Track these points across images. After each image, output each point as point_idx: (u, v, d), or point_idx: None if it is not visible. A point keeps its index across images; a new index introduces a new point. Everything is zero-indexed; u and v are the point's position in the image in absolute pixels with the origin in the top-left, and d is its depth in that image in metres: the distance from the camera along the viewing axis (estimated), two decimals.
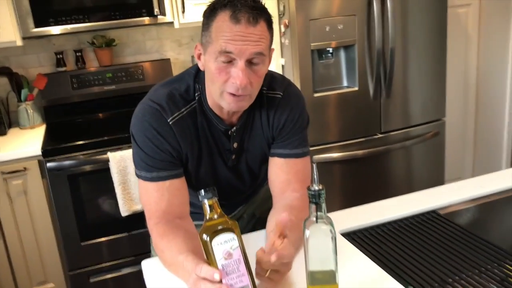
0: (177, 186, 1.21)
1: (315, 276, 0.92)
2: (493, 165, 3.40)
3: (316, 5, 2.39)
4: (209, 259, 0.93)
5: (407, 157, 2.80)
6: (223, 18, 1.07)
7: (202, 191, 0.96)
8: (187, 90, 1.22)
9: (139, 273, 2.51)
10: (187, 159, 1.24)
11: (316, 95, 2.51)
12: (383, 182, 2.76)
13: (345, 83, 2.64)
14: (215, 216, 0.96)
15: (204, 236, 0.93)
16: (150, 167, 1.19)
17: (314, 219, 0.90)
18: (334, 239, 0.90)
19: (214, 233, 0.92)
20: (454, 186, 1.52)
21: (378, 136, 2.69)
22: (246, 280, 0.92)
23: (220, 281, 0.90)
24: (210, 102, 1.21)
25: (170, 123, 1.18)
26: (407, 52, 2.63)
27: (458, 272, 1.09)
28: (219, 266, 0.91)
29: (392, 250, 1.21)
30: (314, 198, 0.88)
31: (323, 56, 2.55)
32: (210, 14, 1.10)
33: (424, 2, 2.61)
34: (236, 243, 0.93)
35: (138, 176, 1.22)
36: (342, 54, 2.59)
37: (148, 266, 1.21)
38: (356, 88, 2.57)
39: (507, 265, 1.11)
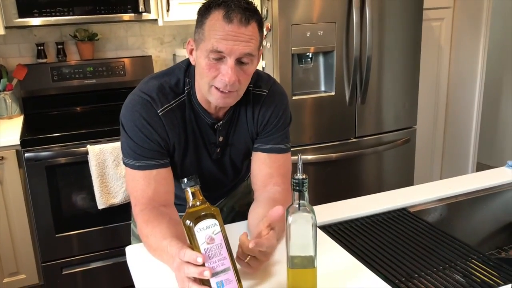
0: (163, 175, 1.26)
1: (295, 261, 0.98)
2: (460, 173, 3.55)
3: (298, 11, 2.47)
4: (193, 244, 0.97)
5: (379, 162, 2.90)
6: (216, 17, 1.12)
7: (185, 179, 0.99)
8: (177, 83, 1.26)
9: (112, 266, 2.55)
10: (174, 150, 1.28)
11: (294, 98, 2.58)
12: (355, 185, 2.86)
13: (322, 88, 2.72)
14: (198, 203, 0.99)
15: (187, 222, 0.97)
16: (138, 156, 1.23)
17: (297, 206, 0.96)
18: (314, 226, 0.97)
19: (197, 219, 0.96)
20: (423, 187, 1.61)
21: (352, 141, 2.78)
22: (228, 263, 0.97)
23: (203, 265, 0.95)
24: (198, 96, 1.26)
25: (160, 114, 1.22)
26: (383, 60, 2.73)
27: (427, 265, 1.17)
28: (202, 251, 0.95)
29: (364, 242, 1.28)
30: (298, 186, 0.94)
31: (303, 60, 2.63)
32: (204, 12, 1.15)
33: (401, 14, 2.72)
34: (218, 228, 0.97)
35: (125, 164, 1.26)
36: (321, 59, 2.67)
37: (132, 253, 1.25)
38: (333, 93, 2.66)
39: (472, 260, 1.20)
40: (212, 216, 0.98)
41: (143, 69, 2.91)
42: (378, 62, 2.72)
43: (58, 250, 2.45)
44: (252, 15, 1.14)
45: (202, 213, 0.97)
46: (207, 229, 0.96)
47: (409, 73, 2.86)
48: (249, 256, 1.04)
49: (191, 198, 1.00)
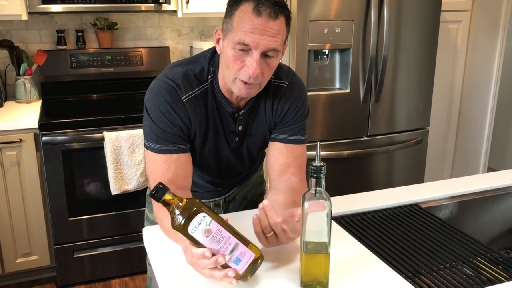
0: (183, 160, 1.29)
1: (308, 246, 1.01)
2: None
3: (316, 7, 2.49)
4: (196, 243, 1.00)
5: (390, 161, 2.91)
6: (246, 9, 1.14)
7: (153, 193, 1.01)
8: (201, 71, 1.29)
9: (122, 252, 2.59)
10: (194, 136, 1.31)
11: (309, 93, 2.59)
12: (365, 183, 2.87)
13: (337, 85, 2.74)
14: (175, 209, 1.00)
15: (179, 232, 1.00)
16: (161, 140, 1.26)
17: (314, 192, 0.98)
18: (330, 213, 0.99)
19: (184, 225, 0.98)
20: (435, 184, 1.63)
21: (364, 139, 2.80)
22: (234, 240, 1.00)
23: (213, 254, 0.98)
24: (221, 85, 1.29)
25: (184, 100, 1.25)
26: (398, 60, 2.75)
27: (438, 259, 1.19)
28: (206, 245, 0.98)
29: (376, 234, 1.30)
30: (316, 173, 0.97)
31: (319, 57, 2.65)
32: (234, 2, 1.17)
33: (419, 15, 2.73)
34: (208, 218, 0.99)
35: (147, 147, 1.29)
36: (337, 56, 2.69)
37: (149, 234, 1.28)
38: (348, 91, 2.68)
39: (481, 256, 1.22)
40: (195, 211, 0.99)
41: (160, 59, 2.94)
42: (393, 62, 2.73)
43: (70, 233, 2.50)
44: (281, 10, 1.15)
45: (185, 216, 0.99)
46: (199, 226, 0.98)
47: (424, 74, 2.87)
48: (272, 232, 1.07)
49: (166, 208, 1.01)
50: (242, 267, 0.99)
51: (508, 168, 2.04)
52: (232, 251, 0.99)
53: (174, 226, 1.00)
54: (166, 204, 1.01)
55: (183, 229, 0.99)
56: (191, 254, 1.00)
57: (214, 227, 0.99)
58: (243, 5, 1.14)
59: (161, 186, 1.02)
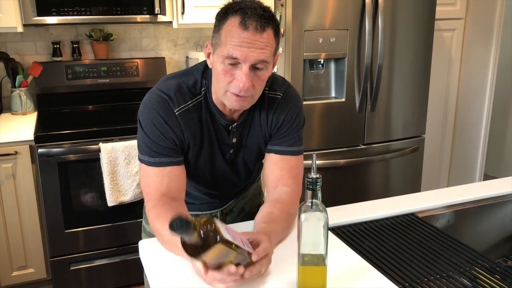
0: (176, 173, 1.28)
1: (305, 259, 1.01)
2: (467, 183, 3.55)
3: (311, 17, 2.50)
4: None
5: (386, 170, 2.91)
6: (233, 23, 1.15)
7: (174, 225, 0.91)
8: (194, 84, 1.29)
9: (119, 264, 2.57)
10: (188, 148, 1.31)
11: (304, 103, 2.57)
12: (362, 191, 2.87)
13: (333, 94, 2.74)
14: (194, 239, 0.93)
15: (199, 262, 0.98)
16: (154, 153, 1.26)
17: (310, 204, 0.98)
18: (326, 225, 0.99)
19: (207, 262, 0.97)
20: (432, 193, 1.63)
21: (360, 147, 2.80)
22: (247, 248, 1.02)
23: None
24: (214, 98, 1.29)
25: (176, 113, 1.25)
26: (393, 69, 2.76)
27: (435, 269, 1.19)
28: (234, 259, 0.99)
29: (373, 245, 1.30)
30: (311, 185, 0.97)
31: (314, 66, 2.66)
32: (222, 17, 1.18)
33: (413, 23, 2.75)
34: (225, 250, 0.95)
35: (141, 160, 1.29)
36: (332, 66, 2.70)
37: (145, 247, 1.27)
38: (343, 100, 2.68)
39: (479, 266, 1.21)
40: (214, 241, 0.93)
41: (156, 70, 2.95)
42: (388, 71, 2.74)
43: (66, 245, 2.48)
44: (268, 22, 1.16)
45: (206, 253, 0.94)
46: (220, 258, 0.97)
47: (419, 82, 2.88)
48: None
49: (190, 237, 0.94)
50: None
51: (505, 175, 2.04)
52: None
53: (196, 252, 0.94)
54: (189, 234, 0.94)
55: (206, 260, 0.97)
56: (198, 270, 1.01)
57: (233, 235, 0.99)
58: (230, 19, 1.15)
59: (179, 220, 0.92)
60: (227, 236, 0.95)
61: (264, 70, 1.20)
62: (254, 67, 1.17)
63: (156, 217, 1.23)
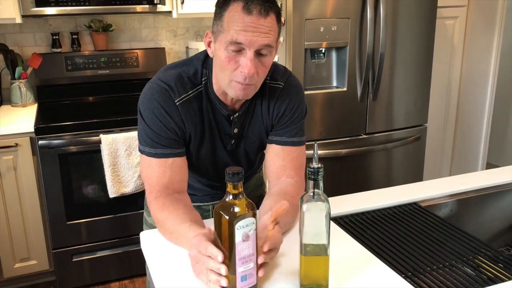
0: (178, 164, 1.27)
1: (307, 249, 1.00)
2: (469, 172, 3.54)
3: (312, 6, 2.48)
4: (222, 234, 0.97)
5: (389, 159, 2.90)
6: (235, 9, 1.13)
7: (230, 173, 0.96)
8: (195, 74, 1.28)
9: (121, 255, 2.58)
10: (190, 139, 1.30)
11: (306, 92, 2.57)
12: (364, 181, 2.86)
13: (334, 83, 2.73)
14: (240, 196, 0.97)
15: (225, 215, 0.95)
16: (155, 143, 1.24)
17: (312, 194, 0.97)
18: (328, 214, 0.98)
19: (237, 216, 0.95)
20: (434, 182, 1.62)
21: (362, 137, 2.79)
22: (254, 259, 0.99)
23: (223, 262, 0.95)
24: (215, 88, 1.28)
25: (177, 103, 1.24)
26: (395, 58, 2.73)
27: (438, 258, 1.18)
28: (236, 247, 0.95)
29: (375, 234, 1.29)
30: (313, 175, 0.96)
31: (316, 55, 2.64)
32: (223, 4, 1.16)
33: (415, 12, 2.72)
34: (254, 226, 0.97)
35: (142, 151, 1.27)
36: (333, 55, 2.68)
37: (146, 238, 1.27)
38: (345, 89, 2.67)
39: (482, 254, 1.21)
40: (252, 214, 0.96)
41: (156, 60, 2.93)
42: (390, 59, 2.72)
43: (68, 237, 2.48)
44: (271, 7, 1.14)
45: (244, 212, 0.96)
46: (246, 227, 0.96)
47: (421, 71, 2.86)
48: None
49: (232, 190, 0.97)
50: (242, 286, 0.98)
51: (507, 163, 2.03)
52: (247, 268, 0.98)
53: (226, 204, 0.96)
54: (235, 187, 0.97)
55: (234, 218, 0.95)
56: (204, 248, 0.97)
57: (252, 238, 0.97)
58: (232, 5, 1.13)
59: (241, 172, 0.97)
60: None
61: (268, 56, 1.18)
62: (258, 54, 1.15)
63: (161, 208, 1.22)
